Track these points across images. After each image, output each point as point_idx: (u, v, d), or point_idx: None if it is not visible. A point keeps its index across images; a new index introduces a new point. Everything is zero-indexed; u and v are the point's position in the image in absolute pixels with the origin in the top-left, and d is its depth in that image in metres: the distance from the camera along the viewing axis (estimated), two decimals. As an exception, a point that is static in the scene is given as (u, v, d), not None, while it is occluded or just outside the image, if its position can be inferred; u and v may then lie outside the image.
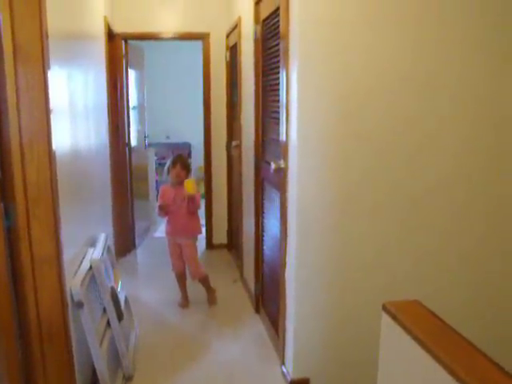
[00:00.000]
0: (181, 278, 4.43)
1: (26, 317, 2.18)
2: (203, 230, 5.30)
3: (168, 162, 4.26)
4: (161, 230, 6.83)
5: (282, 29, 2.94)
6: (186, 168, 4.30)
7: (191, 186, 4.05)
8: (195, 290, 4.45)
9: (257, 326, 3.96)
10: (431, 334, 1.49)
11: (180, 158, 4.38)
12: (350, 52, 2.70)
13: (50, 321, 2.26)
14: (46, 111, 2.12)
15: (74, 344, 2.47)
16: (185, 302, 4.41)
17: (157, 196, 7.57)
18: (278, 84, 3.07)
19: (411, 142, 2.82)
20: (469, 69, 2.80)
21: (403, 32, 2.72)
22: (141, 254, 5.99)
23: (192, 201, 4.12)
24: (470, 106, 2.83)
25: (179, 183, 4.20)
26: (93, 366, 2.77)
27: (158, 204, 4.34)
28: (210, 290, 4.44)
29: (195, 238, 4.42)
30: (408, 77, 2.75)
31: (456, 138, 2.85)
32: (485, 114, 2.85)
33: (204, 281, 4.39)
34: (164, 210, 4.26)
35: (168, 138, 9.10)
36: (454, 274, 2.99)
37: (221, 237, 6.01)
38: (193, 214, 4.28)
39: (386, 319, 1.70)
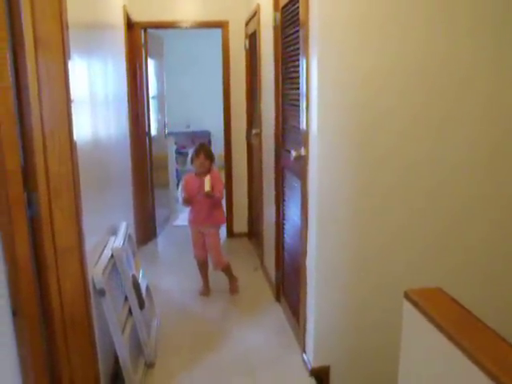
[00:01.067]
0: (203, 267, 4.45)
1: (49, 305, 2.21)
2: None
3: (191, 152, 4.32)
4: (181, 218, 6.86)
5: (301, 16, 2.91)
6: (210, 157, 4.26)
7: (207, 183, 4.05)
8: (216, 278, 4.48)
9: (277, 314, 3.97)
10: (454, 322, 1.48)
11: (203, 147, 4.34)
12: (370, 39, 2.67)
13: (72, 309, 2.28)
14: (67, 101, 2.13)
15: (96, 332, 2.49)
16: (206, 291, 4.44)
17: (177, 184, 7.63)
18: (298, 72, 3.05)
19: (430, 131, 2.79)
20: (483, 62, 2.76)
21: (424, 19, 2.68)
22: (161, 242, 6.03)
23: (210, 197, 4.11)
24: (487, 93, 2.80)
25: (204, 172, 4.17)
26: (115, 353, 2.81)
27: (182, 195, 4.35)
28: (232, 279, 4.46)
29: (218, 227, 4.42)
30: (426, 64, 2.72)
31: (473, 126, 2.81)
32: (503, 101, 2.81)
33: (226, 270, 4.41)
34: (189, 202, 4.28)
35: (188, 126, 9.12)
36: (474, 259, 2.96)
37: (241, 225, 6.03)
38: (216, 203, 4.28)
39: (407, 307, 1.69)
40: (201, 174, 4.20)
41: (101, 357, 2.59)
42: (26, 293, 1.90)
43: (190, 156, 4.30)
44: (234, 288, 4.45)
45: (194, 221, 4.39)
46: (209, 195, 4.07)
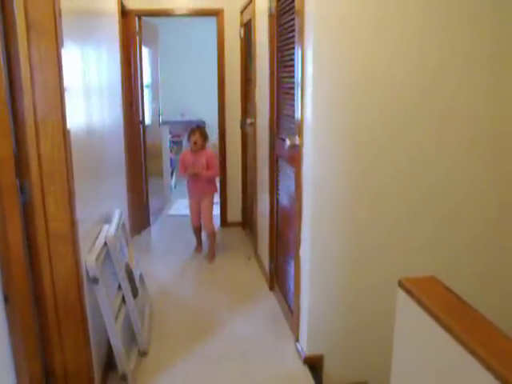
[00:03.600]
0: (197, 231, 5.18)
1: (41, 292, 2.21)
2: (217, 207, 5.82)
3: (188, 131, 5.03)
4: (175, 207, 6.88)
5: (297, 4, 2.90)
6: (203, 135, 4.91)
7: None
8: (211, 270, 4.47)
9: (271, 303, 3.98)
10: (447, 310, 1.48)
11: (198, 127, 5.03)
12: (367, 28, 2.66)
13: (65, 296, 2.28)
14: (60, 88, 2.12)
15: (89, 320, 2.49)
16: (199, 249, 5.21)
17: (171, 173, 7.63)
18: (293, 60, 3.03)
19: (427, 121, 2.79)
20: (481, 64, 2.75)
21: (423, 8, 2.67)
22: (155, 231, 6.03)
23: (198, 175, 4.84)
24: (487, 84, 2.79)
25: (198, 149, 4.87)
26: (108, 341, 2.81)
27: (180, 171, 5.07)
28: (211, 247, 5.04)
29: (212, 197, 5.03)
30: (425, 53, 2.71)
31: (473, 119, 2.82)
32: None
33: (211, 235, 5.03)
34: (187, 176, 4.98)
35: (182, 115, 9.08)
36: (468, 250, 2.98)
37: (235, 214, 6.02)
38: (210, 178, 4.94)
39: (401, 295, 1.69)
40: (196, 151, 4.88)
41: (94, 344, 2.59)
42: (18, 279, 1.90)
43: (187, 134, 4.97)
44: (210, 256, 4.99)
45: (191, 190, 5.04)
46: (197, 174, 4.82)
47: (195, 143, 4.84)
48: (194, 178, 4.89)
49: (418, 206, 2.88)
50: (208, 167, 4.84)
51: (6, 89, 1.86)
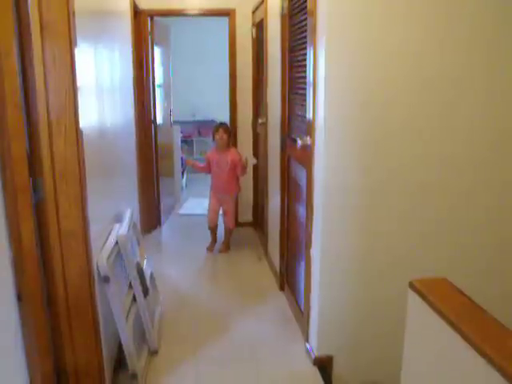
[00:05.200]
0: (213, 231, 5.26)
1: (53, 291, 2.22)
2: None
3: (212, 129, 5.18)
4: (186, 206, 6.89)
5: (309, 4, 2.89)
6: (228, 131, 5.03)
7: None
8: (220, 267, 4.46)
9: (281, 303, 3.98)
10: (459, 313, 1.47)
11: (222, 123, 5.12)
12: (379, 29, 2.65)
13: (77, 294, 2.29)
14: (73, 88, 2.13)
15: (100, 318, 2.50)
16: (212, 247, 5.24)
17: (182, 173, 7.65)
18: (305, 61, 3.03)
19: (437, 121, 2.77)
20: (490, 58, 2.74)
21: (434, 6, 2.66)
22: (166, 230, 6.04)
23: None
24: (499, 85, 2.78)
25: (223, 146, 5.00)
26: (119, 340, 2.82)
27: (205, 168, 5.24)
28: (225, 242, 5.24)
29: (235, 196, 5.26)
30: (439, 54, 2.70)
31: (474, 119, 2.80)
32: None
33: (229, 232, 5.24)
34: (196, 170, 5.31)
35: (194, 115, 9.09)
36: (483, 255, 2.96)
37: (246, 215, 6.03)
38: (233, 176, 5.08)
39: (412, 297, 1.69)
40: (221, 148, 5.03)
41: (104, 343, 2.60)
42: (30, 278, 1.92)
43: (212, 132, 5.13)
44: (223, 249, 5.20)
45: (214, 188, 5.20)
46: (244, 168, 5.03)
47: (221, 139, 4.96)
48: (219, 175, 5.06)
49: (432, 209, 2.87)
50: (234, 168, 5.01)
51: (20, 89, 1.88)
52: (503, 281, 2.99)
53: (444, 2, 2.65)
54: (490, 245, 2.95)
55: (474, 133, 2.81)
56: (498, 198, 2.90)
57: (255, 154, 5.75)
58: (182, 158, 7.58)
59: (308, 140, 2.98)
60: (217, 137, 4.99)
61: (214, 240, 5.28)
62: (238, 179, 5.19)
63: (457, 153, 2.82)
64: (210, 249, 5.23)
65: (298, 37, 3.29)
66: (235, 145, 5.88)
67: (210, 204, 5.22)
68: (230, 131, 5.08)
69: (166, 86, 6.47)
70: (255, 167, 5.76)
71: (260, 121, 5.09)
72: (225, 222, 5.23)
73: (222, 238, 5.27)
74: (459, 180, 2.85)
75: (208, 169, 5.18)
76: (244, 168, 5.03)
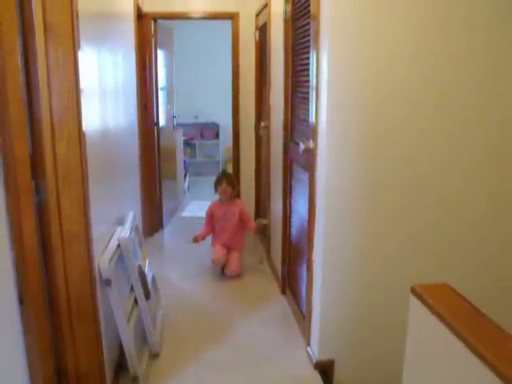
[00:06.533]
0: (218, 266, 4.65)
1: (55, 294, 2.22)
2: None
3: (215, 180, 4.75)
4: (188, 209, 6.89)
5: (312, 8, 2.89)
6: (232, 183, 4.65)
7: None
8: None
9: (282, 307, 3.97)
10: (460, 317, 1.47)
11: (225, 174, 4.81)
12: (384, 34, 2.65)
13: (78, 297, 2.29)
14: (77, 90, 2.13)
15: (101, 321, 2.50)
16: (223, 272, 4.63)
17: (185, 175, 7.65)
18: (308, 64, 3.03)
19: (445, 128, 2.76)
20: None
21: (440, 11, 2.65)
22: (168, 233, 6.04)
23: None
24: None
25: (227, 200, 4.64)
26: (120, 343, 2.82)
27: (205, 229, 4.75)
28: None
29: (241, 249, 4.76)
30: (443, 59, 2.70)
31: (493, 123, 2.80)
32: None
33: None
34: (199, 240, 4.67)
35: (196, 118, 9.10)
36: (486, 261, 2.95)
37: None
38: (239, 230, 4.69)
39: (414, 302, 1.68)
40: (225, 201, 4.65)
41: (106, 346, 2.60)
42: (32, 281, 1.91)
43: (214, 183, 4.72)
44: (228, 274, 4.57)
45: (217, 239, 4.70)
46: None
47: (224, 192, 4.60)
48: (224, 229, 4.65)
49: (435, 214, 2.86)
50: (242, 220, 4.66)
51: (23, 90, 1.88)
52: (503, 281, 2.99)
53: (445, 5, 2.65)
54: (490, 246, 2.94)
55: (475, 135, 2.81)
56: (499, 199, 2.89)
57: (257, 157, 5.75)
58: (184, 161, 7.58)
59: (311, 144, 2.97)
60: (220, 190, 4.62)
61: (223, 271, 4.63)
62: (243, 233, 4.78)
63: (459, 154, 2.81)
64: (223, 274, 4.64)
65: (301, 41, 3.29)
66: (237, 148, 5.89)
67: (213, 249, 4.65)
68: (233, 183, 4.70)
69: (169, 89, 6.48)
70: (257, 170, 5.77)
71: (263, 124, 5.09)
72: (229, 273, 4.54)
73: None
74: (461, 181, 2.84)
75: (211, 228, 4.72)
76: (255, 228, 4.77)
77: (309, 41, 3.02)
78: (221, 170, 4.87)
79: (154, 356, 3.20)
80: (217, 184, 4.65)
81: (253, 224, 4.74)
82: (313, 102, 2.93)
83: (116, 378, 2.90)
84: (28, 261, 1.87)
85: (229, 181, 4.63)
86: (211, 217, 4.71)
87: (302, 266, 3.45)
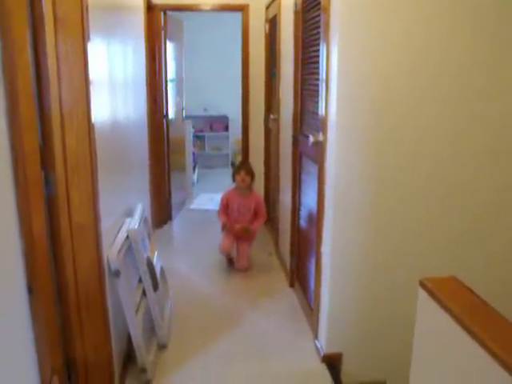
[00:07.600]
0: (226, 256, 4.66)
1: (64, 283, 2.23)
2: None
3: (233, 169, 4.72)
4: (197, 202, 6.90)
5: (322, 1, 2.88)
6: (250, 173, 4.55)
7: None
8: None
9: (291, 299, 3.97)
10: (468, 311, 1.47)
11: (244, 163, 4.79)
12: (394, 27, 2.63)
13: (87, 288, 2.31)
14: (86, 82, 2.14)
15: (110, 312, 2.52)
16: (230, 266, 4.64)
17: (194, 168, 7.65)
18: (318, 57, 3.02)
19: (451, 124, 2.75)
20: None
21: (451, 2, 2.64)
22: (177, 225, 6.05)
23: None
24: None
25: (245, 189, 4.54)
26: (128, 334, 2.83)
27: (221, 220, 4.61)
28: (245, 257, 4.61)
29: (250, 242, 4.70)
30: (452, 53, 2.68)
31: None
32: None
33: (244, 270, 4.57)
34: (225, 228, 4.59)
35: (206, 110, 9.10)
36: (491, 255, 2.94)
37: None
38: (253, 221, 4.60)
39: (422, 295, 1.69)
40: (241, 190, 4.56)
41: (114, 336, 2.61)
42: (42, 270, 1.92)
43: (232, 172, 4.61)
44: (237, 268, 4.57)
45: (229, 231, 4.60)
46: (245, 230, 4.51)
47: (243, 181, 4.49)
48: (238, 219, 4.58)
49: (442, 208, 2.85)
50: (256, 213, 4.59)
51: (33, 82, 1.88)
52: (510, 275, 2.98)
53: (453, 0, 2.64)
54: (495, 240, 2.93)
55: (481, 130, 2.80)
56: (504, 194, 2.89)
57: (266, 149, 5.74)
58: (193, 153, 7.58)
59: (320, 136, 2.97)
60: (238, 178, 4.51)
61: (231, 262, 4.67)
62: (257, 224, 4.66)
63: (465, 149, 2.80)
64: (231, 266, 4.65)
65: (311, 33, 3.27)
66: (247, 140, 5.88)
67: (222, 241, 4.59)
68: (252, 172, 4.58)
69: (179, 81, 6.47)
70: (266, 162, 5.76)
71: (272, 116, 5.08)
72: (237, 266, 4.56)
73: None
74: (467, 176, 2.83)
75: (226, 217, 4.60)
76: (239, 230, 4.54)
77: (319, 33, 3.01)
78: (240, 161, 4.80)
79: (162, 347, 3.21)
80: (235, 173, 4.58)
81: (258, 225, 4.62)
82: (322, 95, 2.92)
83: (124, 369, 2.92)
84: (37, 251, 1.87)
85: (248, 170, 4.56)
86: (226, 206, 4.62)
87: (310, 259, 3.45)
